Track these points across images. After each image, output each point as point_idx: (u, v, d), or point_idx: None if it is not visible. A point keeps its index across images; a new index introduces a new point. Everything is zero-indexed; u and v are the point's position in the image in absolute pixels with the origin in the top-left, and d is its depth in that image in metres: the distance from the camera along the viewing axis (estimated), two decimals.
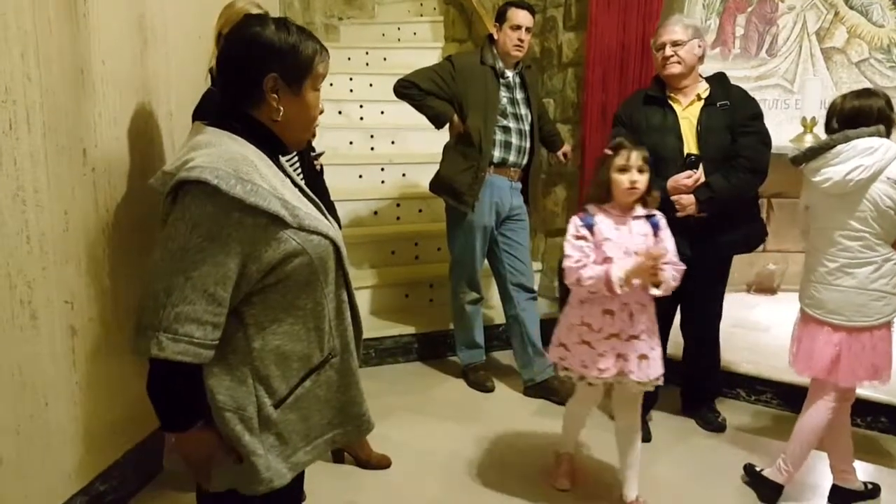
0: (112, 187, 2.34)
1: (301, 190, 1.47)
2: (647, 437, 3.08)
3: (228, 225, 1.25)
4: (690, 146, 2.86)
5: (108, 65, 2.28)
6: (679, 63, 2.86)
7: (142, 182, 2.46)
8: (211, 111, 1.41)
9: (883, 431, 3.12)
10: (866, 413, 3.10)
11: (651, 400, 3.21)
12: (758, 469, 2.69)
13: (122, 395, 2.41)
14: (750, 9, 4.24)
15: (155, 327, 1.24)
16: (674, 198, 2.78)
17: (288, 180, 1.43)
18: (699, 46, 2.91)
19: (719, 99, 2.88)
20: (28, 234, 1.96)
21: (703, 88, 2.93)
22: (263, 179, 1.30)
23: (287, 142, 1.43)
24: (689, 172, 2.78)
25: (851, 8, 4.05)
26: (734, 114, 2.85)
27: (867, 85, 3.88)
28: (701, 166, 2.81)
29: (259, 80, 1.34)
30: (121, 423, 2.42)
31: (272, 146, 1.42)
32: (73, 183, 2.14)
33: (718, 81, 2.96)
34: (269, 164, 1.38)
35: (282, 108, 1.36)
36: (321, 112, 1.49)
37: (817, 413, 2.53)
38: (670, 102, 2.92)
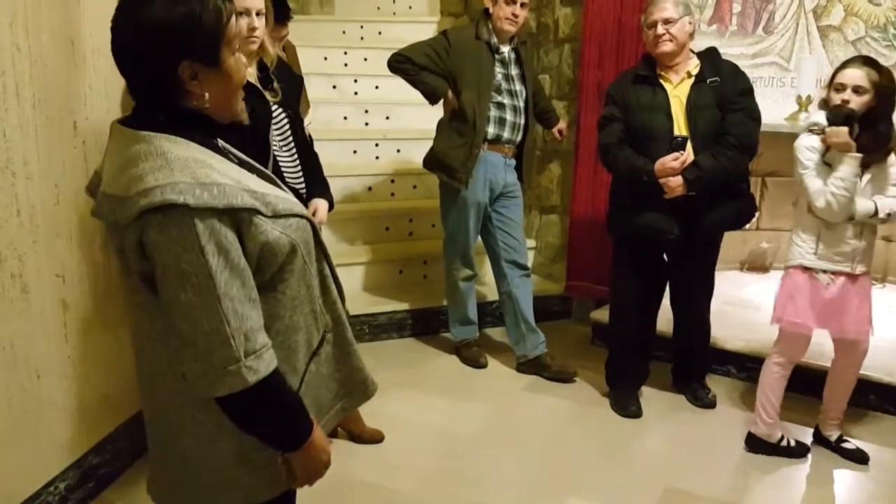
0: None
1: (250, 167, 1.35)
2: (638, 413, 3.11)
3: (222, 232, 1.14)
4: (680, 125, 2.85)
5: (98, 36, 2.25)
6: (671, 41, 2.83)
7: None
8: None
9: (872, 409, 3.15)
10: (855, 390, 3.11)
11: (642, 377, 3.25)
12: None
13: (114, 369, 2.41)
14: None
15: (235, 360, 1.15)
16: (661, 180, 2.78)
17: (244, 169, 1.28)
18: (690, 23, 2.88)
19: (709, 75, 2.86)
20: (18, 208, 1.94)
21: (694, 65, 2.90)
22: (223, 175, 1.17)
23: (221, 118, 1.26)
24: (675, 154, 2.76)
25: None
26: (724, 90, 2.83)
27: None
28: (689, 146, 2.79)
29: (171, 71, 1.15)
30: (114, 396, 2.42)
31: (209, 130, 1.26)
32: (64, 156, 2.12)
33: (709, 57, 2.93)
34: (220, 159, 1.22)
35: (207, 93, 1.19)
36: (249, 62, 1.33)
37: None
38: (660, 81, 2.90)
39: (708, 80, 2.84)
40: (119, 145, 1.20)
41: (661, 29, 2.82)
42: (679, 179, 2.76)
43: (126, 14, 1.15)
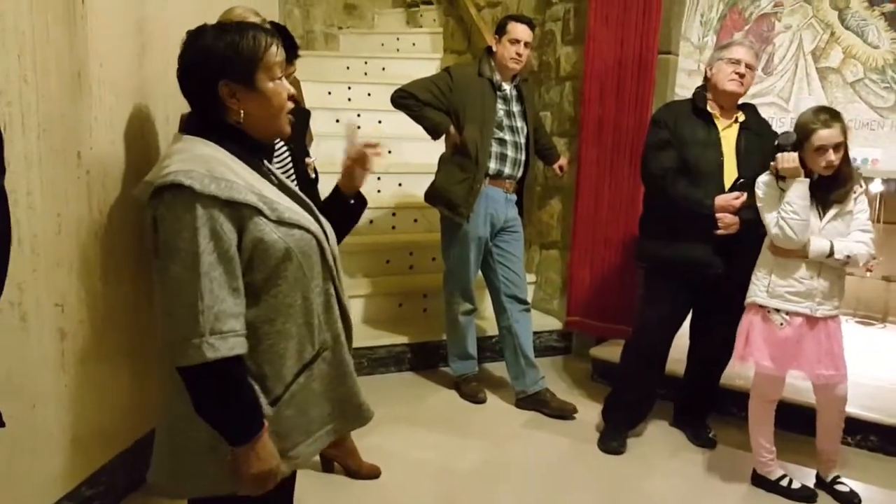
0: (106, 190, 2.33)
1: (287, 189, 1.49)
2: (619, 450, 3.10)
3: (219, 220, 1.29)
4: (729, 164, 2.90)
5: (105, 68, 2.28)
6: (743, 85, 2.90)
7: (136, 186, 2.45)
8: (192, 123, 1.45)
9: (872, 450, 3.12)
10: (856, 431, 3.10)
11: (643, 414, 3.22)
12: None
13: (111, 399, 2.39)
14: (747, 27, 4.26)
15: (199, 334, 1.26)
16: (719, 215, 2.81)
17: (266, 181, 1.44)
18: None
19: (754, 126, 2.96)
20: (20, 236, 1.95)
21: (740, 114, 2.99)
22: (238, 176, 1.34)
23: (261, 136, 1.45)
24: (737, 193, 2.81)
25: (847, 29, 4.08)
26: (764, 143, 2.90)
27: (861, 105, 3.92)
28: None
29: (214, 91, 1.38)
30: (110, 428, 2.40)
31: (250, 147, 1.44)
32: (67, 185, 2.13)
33: (751, 110, 3.04)
34: (244, 166, 1.40)
35: (242, 110, 1.39)
36: (291, 97, 1.49)
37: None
38: (713, 119, 2.96)
39: (753, 130, 2.94)
40: (169, 145, 1.43)
41: (744, 69, 2.88)
42: (735, 218, 2.81)
43: (187, 42, 1.40)
